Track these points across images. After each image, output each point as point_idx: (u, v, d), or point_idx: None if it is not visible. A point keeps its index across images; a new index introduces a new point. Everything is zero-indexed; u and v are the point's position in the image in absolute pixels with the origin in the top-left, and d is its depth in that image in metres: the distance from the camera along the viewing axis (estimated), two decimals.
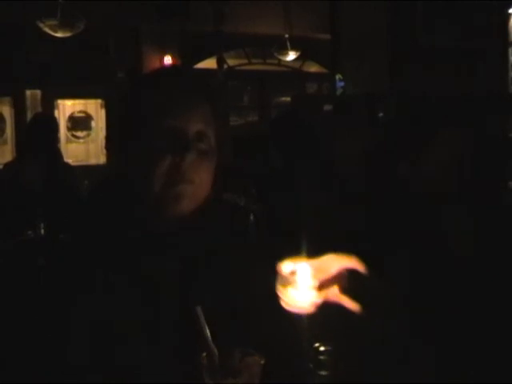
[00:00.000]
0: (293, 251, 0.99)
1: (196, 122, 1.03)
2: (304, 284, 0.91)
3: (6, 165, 3.79)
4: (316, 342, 0.93)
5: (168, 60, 7.19)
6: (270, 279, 0.98)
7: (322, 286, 0.92)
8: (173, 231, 1.06)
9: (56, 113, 7.13)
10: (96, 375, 0.99)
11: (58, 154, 3.81)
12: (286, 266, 0.93)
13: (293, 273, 0.92)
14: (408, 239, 1.38)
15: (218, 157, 1.07)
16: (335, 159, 2.15)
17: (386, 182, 1.56)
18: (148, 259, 1.03)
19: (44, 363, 0.99)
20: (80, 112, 7.34)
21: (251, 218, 1.20)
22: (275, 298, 0.98)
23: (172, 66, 3.22)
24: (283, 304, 0.92)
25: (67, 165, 3.95)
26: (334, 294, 0.95)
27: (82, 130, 7.34)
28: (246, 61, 8.18)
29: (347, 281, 0.94)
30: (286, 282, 0.92)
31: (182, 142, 1.01)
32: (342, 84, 5.46)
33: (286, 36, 6.56)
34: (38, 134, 3.58)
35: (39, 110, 6.84)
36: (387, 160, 1.62)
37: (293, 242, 1.03)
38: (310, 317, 0.92)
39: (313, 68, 8.42)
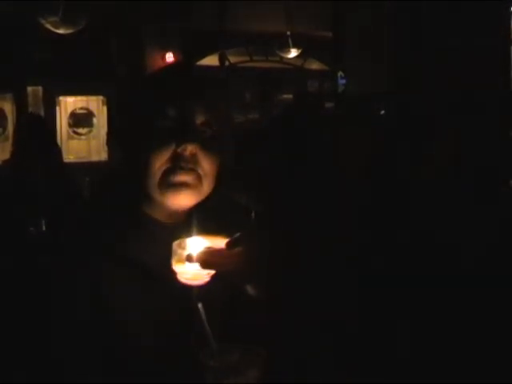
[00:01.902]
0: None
1: (200, 113, 1.04)
2: (188, 257, 0.94)
3: (6, 161, 3.79)
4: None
5: (170, 57, 7.19)
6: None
7: (203, 258, 0.94)
8: (174, 226, 1.06)
9: (57, 109, 7.13)
10: (96, 373, 1.00)
11: (56, 151, 3.81)
12: (179, 243, 0.96)
13: (184, 248, 0.96)
14: (410, 238, 1.39)
15: (221, 150, 1.07)
16: (337, 158, 2.15)
17: (389, 181, 1.57)
18: (149, 255, 1.04)
19: (43, 359, 1.00)
20: (81, 109, 7.33)
21: (252, 216, 1.20)
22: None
23: (175, 63, 3.23)
24: (179, 278, 0.95)
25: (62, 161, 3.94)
26: (224, 267, 0.95)
27: (84, 127, 7.33)
28: (247, 58, 8.18)
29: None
30: (179, 258, 0.95)
31: (185, 131, 1.01)
32: (344, 82, 5.45)
33: (288, 33, 6.56)
34: (30, 135, 3.57)
35: (41, 106, 6.84)
36: (389, 158, 1.63)
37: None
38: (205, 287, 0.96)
39: (314, 65, 8.42)
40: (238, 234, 0.95)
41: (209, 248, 0.95)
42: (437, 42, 3.70)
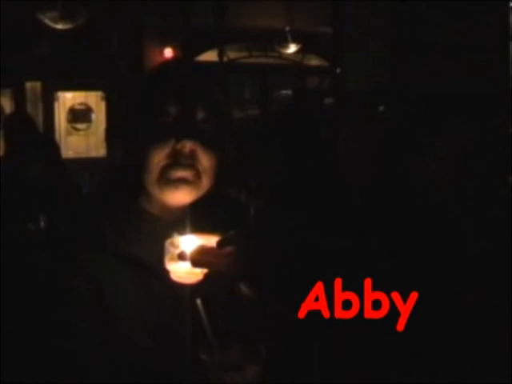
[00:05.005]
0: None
1: (200, 109, 1.04)
2: (181, 255, 0.94)
3: (4, 157, 3.79)
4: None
5: (169, 52, 7.16)
6: None
7: (196, 257, 0.94)
8: (172, 222, 1.06)
9: (56, 105, 7.12)
10: (96, 371, 1.00)
11: (53, 147, 3.79)
12: (172, 241, 0.96)
13: (177, 246, 0.96)
14: (413, 235, 1.38)
15: (221, 147, 1.07)
16: (337, 154, 2.15)
17: (389, 178, 1.56)
18: (147, 251, 1.04)
19: (43, 358, 1.00)
20: (80, 104, 7.32)
21: (251, 213, 1.20)
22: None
23: (175, 59, 3.23)
24: (172, 277, 0.96)
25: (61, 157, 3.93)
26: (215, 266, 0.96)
27: (83, 123, 7.33)
28: (246, 54, 8.15)
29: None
30: (172, 256, 0.95)
31: (184, 128, 1.01)
32: (343, 78, 5.44)
33: (287, 29, 6.55)
34: (14, 135, 3.57)
35: (39, 102, 6.83)
36: (388, 156, 1.63)
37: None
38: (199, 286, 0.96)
39: (314, 61, 8.40)
40: (229, 233, 0.95)
41: (202, 246, 0.95)
42: (437, 36, 3.70)
